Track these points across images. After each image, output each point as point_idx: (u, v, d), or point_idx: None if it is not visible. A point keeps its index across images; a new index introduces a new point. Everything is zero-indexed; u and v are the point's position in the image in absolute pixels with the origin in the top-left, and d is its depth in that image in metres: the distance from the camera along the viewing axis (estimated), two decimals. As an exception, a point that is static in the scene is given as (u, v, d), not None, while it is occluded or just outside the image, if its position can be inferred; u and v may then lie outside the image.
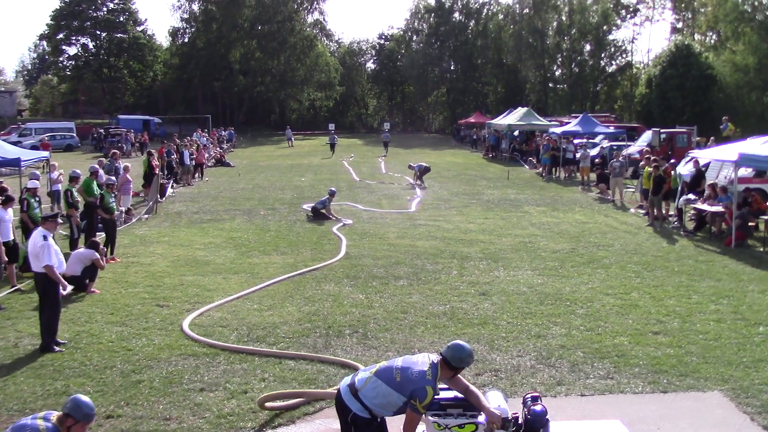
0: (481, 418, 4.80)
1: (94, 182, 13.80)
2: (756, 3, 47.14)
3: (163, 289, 10.39)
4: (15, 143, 27.47)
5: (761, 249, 13.66)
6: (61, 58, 76.10)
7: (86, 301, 9.90)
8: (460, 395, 4.88)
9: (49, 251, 7.92)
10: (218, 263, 12.21)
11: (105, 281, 10.90)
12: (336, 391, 4.98)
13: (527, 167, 32.79)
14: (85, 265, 10.45)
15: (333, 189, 18.52)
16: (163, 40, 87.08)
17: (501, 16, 74.73)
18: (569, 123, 33.98)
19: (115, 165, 19.65)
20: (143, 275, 11.31)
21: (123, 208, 16.88)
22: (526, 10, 67.23)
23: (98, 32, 75.22)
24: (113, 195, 13.35)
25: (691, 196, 16.85)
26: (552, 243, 14.17)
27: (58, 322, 8.13)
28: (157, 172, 20.38)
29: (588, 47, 66.87)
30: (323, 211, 17.37)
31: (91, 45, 76.02)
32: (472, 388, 4.92)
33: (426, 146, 53.07)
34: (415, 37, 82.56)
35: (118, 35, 75.61)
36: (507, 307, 9.47)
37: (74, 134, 48.64)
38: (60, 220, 10.77)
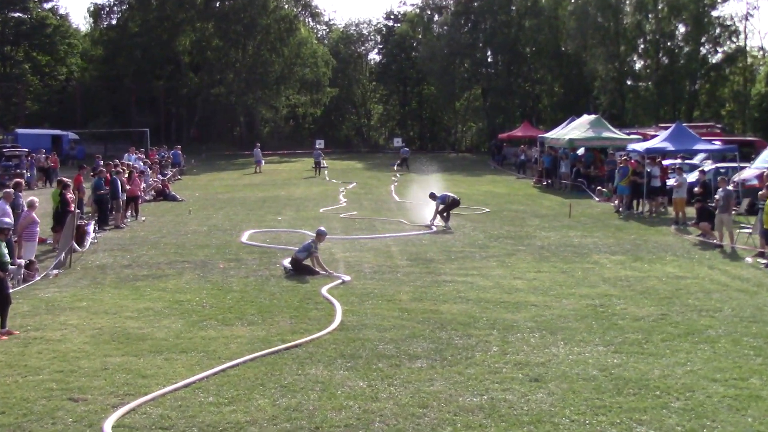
0: None
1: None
2: None
3: (78, 376, 10.41)
4: None
5: None
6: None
7: (-30, 392, 9.92)
8: None
9: None
10: (158, 338, 12.24)
11: (-3, 364, 10.95)
12: None
13: (597, 199, 32.90)
14: (-31, 342, 10.48)
15: (322, 229, 18.63)
16: (81, 22, 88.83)
17: (558, -13, 75.71)
18: (656, 136, 34.20)
19: (17, 199, 19.84)
20: (50, 356, 11.35)
21: (23, 261, 17.00)
22: (593, -22, 68.13)
23: (-15, 10, 76.06)
24: (7, 242, 13.44)
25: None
26: (633, 307, 14.16)
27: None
28: (72, 209, 20.55)
29: (682, 28, 67.53)
30: (307, 262, 17.44)
31: (-26, 28, 77.11)
32: None
33: (454, 170, 53.39)
34: (437, 17, 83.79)
35: (15, 15, 76.34)
36: (570, 398, 9.44)
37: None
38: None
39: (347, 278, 16.73)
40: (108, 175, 25.76)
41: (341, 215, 28.23)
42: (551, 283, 16.33)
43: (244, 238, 22.59)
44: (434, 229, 24.22)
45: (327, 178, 47.67)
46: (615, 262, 18.73)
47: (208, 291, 15.67)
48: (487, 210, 29.52)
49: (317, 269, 17.29)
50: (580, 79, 72.34)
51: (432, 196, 25.40)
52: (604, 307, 14.16)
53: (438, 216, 24.82)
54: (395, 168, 52.61)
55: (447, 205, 24.95)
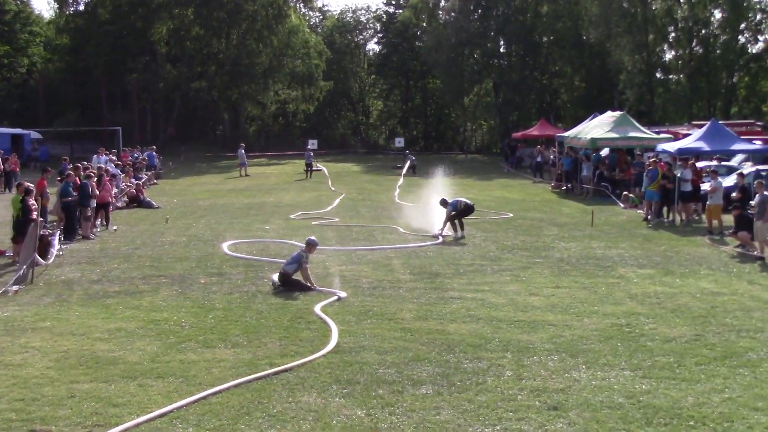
0: None
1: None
2: None
3: (41, 405, 10.40)
4: None
5: None
6: None
7: None
8: None
9: None
10: (131, 362, 12.23)
11: (-49, 391, 10.94)
12: None
13: (622, 206, 32.91)
14: None
15: (312, 238, 18.56)
16: (44, 8, 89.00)
17: (579, -31, 75.83)
18: (689, 135, 34.24)
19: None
20: (9, 383, 11.33)
21: (-19, 275, 16.99)
22: (619, -40, 68.19)
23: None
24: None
25: None
26: (664, 326, 14.16)
27: None
28: (34, 217, 20.54)
29: (718, 14, 67.56)
30: (297, 277, 17.44)
31: None
32: None
33: (463, 173, 53.47)
34: (443, 2, 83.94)
35: (-31, 0, 76.49)
36: (593, 429, 9.43)
37: None
38: None
39: (343, 294, 16.71)
40: (77, 179, 25.74)
41: (313, 222, 28.33)
42: (571, 299, 16.33)
43: (228, 249, 22.63)
44: (441, 239, 24.21)
45: (323, 177, 47.77)
46: (643, 277, 18.75)
47: (188, 309, 15.67)
48: (510, 215, 29.77)
49: (308, 285, 17.26)
50: (604, 72, 72.41)
51: (443, 202, 25.28)
52: (631, 326, 14.16)
53: (448, 224, 24.76)
54: (403, 173, 52.61)
55: (459, 212, 24.85)
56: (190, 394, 10.63)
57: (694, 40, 68.18)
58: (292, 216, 30.23)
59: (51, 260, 20.88)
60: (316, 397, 10.58)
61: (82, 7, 77.83)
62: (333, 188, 43.06)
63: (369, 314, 15.11)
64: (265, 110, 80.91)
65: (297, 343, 13.19)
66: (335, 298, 16.41)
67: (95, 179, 27.14)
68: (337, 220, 29.18)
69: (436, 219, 26.02)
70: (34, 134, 61.76)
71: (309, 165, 52.14)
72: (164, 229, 27.11)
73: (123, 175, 37.27)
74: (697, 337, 13.47)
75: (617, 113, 40.60)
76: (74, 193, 25.05)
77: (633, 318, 14.76)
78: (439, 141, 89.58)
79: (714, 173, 27.41)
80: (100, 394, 10.76)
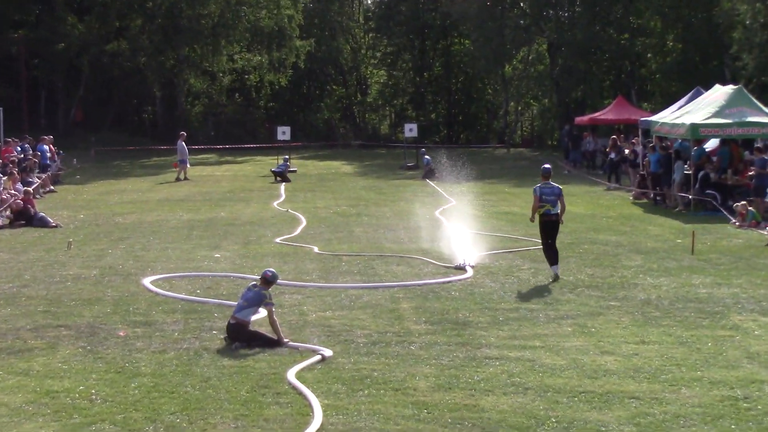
0: None
1: None
2: None
3: None
4: None
5: None
6: None
7: None
8: None
9: None
10: (17, 452, 12.25)
11: None
12: None
13: (736, 223, 32.86)
14: None
15: (270, 270, 18.45)
16: None
17: None
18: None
19: None
20: None
21: None
22: None
23: None
24: None
25: None
26: (800, 400, 14.14)
27: None
28: None
29: None
30: (255, 327, 17.41)
31: None
32: None
33: (502, 175, 53.59)
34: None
35: None
36: None
37: None
38: None
39: (328, 353, 16.74)
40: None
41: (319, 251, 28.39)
42: (662, 360, 16.32)
43: (159, 287, 22.60)
44: (470, 271, 24.22)
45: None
46: (767, 327, 18.75)
47: (100, 375, 15.68)
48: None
49: (276, 339, 17.25)
50: (710, 28, 72.29)
51: (546, 173, 24.21)
52: (751, 400, 14.13)
53: (545, 248, 24.20)
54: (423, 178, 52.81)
55: (543, 226, 24.17)
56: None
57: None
58: (277, 240, 30.15)
59: None
60: (288, 503, 10.59)
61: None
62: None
63: (366, 382, 15.12)
64: (214, 83, 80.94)
65: (260, 424, 13.19)
66: (317, 358, 16.43)
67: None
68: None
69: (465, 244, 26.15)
70: None
71: (280, 173, 52.11)
72: (66, 258, 27.14)
73: (4, 178, 37.31)
74: None
75: (729, 88, 40.54)
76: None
77: (753, 388, 14.74)
78: (468, 129, 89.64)
79: None
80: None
